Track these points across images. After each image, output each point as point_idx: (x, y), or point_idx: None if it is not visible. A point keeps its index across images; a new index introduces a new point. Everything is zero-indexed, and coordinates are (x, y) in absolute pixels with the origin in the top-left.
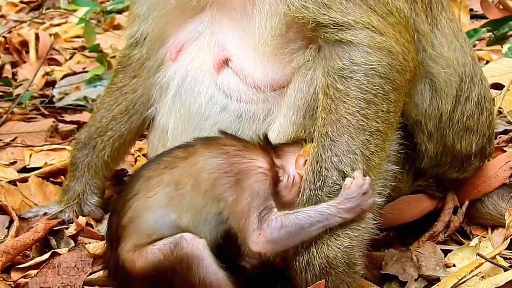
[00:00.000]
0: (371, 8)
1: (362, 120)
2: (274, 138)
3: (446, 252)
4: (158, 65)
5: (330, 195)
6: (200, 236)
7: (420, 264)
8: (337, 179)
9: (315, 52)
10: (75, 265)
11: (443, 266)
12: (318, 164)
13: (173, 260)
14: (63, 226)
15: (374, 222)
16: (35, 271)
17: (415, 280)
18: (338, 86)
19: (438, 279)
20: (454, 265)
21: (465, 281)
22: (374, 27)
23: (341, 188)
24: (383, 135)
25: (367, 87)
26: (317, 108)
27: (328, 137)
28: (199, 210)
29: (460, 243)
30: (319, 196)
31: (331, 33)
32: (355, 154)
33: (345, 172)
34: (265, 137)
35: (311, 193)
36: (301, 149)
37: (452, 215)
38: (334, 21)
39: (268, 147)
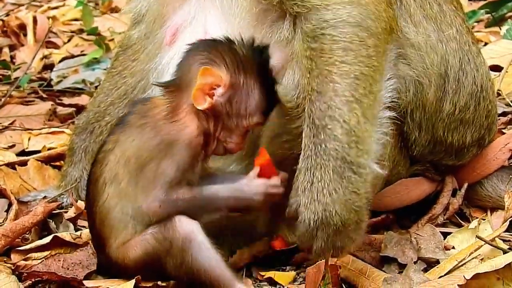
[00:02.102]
0: None
1: (344, 66)
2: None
3: (445, 234)
4: (156, 49)
5: (330, 145)
6: None
7: (420, 247)
8: (330, 126)
9: (290, 26)
10: (80, 262)
11: (442, 249)
12: (310, 118)
13: (167, 244)
14: (62, 210)
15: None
16: (36, 253)
17: (415, 262)
18: (312, 46)
19: (437, 262)
20: (453, 248)
21: (464, 263)
22: None
23: (337, 136)
24: (369, 78)
25: (339, 37)
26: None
27: (314, 91)
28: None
29: (459, 226)
30: (320, 148)
31: (298, 5)
32: (343, 96)
33: (336, 116)
34: None
35: (312, 146)
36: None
37: (451, 197)
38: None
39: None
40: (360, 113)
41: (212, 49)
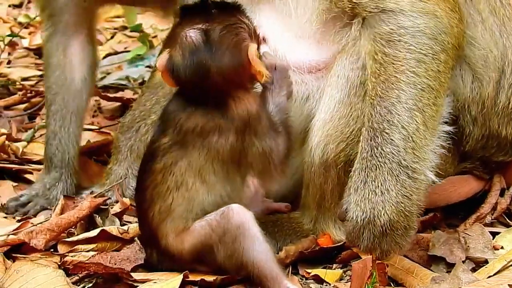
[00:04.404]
0: None
1: (413, 77)
2: (321, 119)
3: (493, 234)
4: None
5: (387, 149)
6: None
7: (468, 246)
8: (388, 131)
9: (359, 26)
10: (127, 258)
11: (491, 248)
12: (369, 122)
13: (220, 231)
14: (107, 206)
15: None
16: (83, 245)
17: (463, 262)
18: (386, 50)
19: (486, 261)
20: (502, 247)
21: None
22: None
23: (394, 140)
24: (435, 92)
25: (416, 47)
26: (363, 84)
27: (377, 96)
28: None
29: (507, 226)
30: (376, 151)
31: (373, 6)
32: (406, 104)
33: (395, 122)
34: None
35: (368, 148)
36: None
37: (499, 197)
38: (368, 7)
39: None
40: (421, 121)
41: (224, 38)
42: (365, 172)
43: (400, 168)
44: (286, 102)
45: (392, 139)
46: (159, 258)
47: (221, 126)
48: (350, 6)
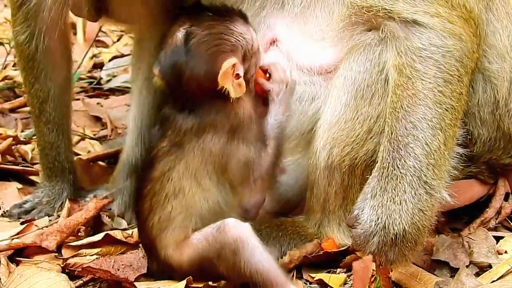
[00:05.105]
0: (436, 1)
1: (440, 96)
2: (327, 121)
3: (497, 238)
4: None
5: (410, 162)
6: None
7: (472, 251)
8: (412, 145)
9: (377, 33)
10: (130, 265)
11: (495, 253)
12: (393, 134)
13: (218, 246)
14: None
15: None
16: (87, 250)
17: (467, 266)
18: (416, 66)
19: (489, 266)
20: (506, 252)
21: None
22: (442, 16)
23: (417, 155)
24: (457, 113)
25: (445, 67)
26: (369, 87)
27: (402, 109)
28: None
29: (511, 230)
30: (398, 162)
31: (404, 16)
32: (431, 122)
33: (420, 137)
34: None
35: (390, 160)
36: None
37: (504, 201)
38: (402, 14)
39: None
40: (442, 141)
41: (202, 45)
42: (385, 180)
43: (420, 182)
44: (285, 121)
45: (416, 154)
46: (160, 268)
47: (215, 125)
48: (381, 14)
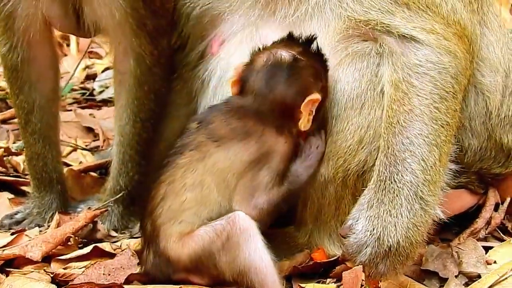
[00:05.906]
0: (432, 18)
1: (436, 112)
2: None
3: (487, 249)
4: (198, 59)
5: (407, 177)
6: None
7: (461, 261)
8: (409, 160)
9: (365, 44)
10: (121, 266)
11: (484, 263)
12: (390, 148)
13: (224, 236)
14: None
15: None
16: (76, 263)
17: (456, 276)
18: (413, 81)
19: (478, 276)
20: (495, 262)
21: (506, 278)
22: (438, 33)
23: (414, 170)
24: (451, 130)
25: (441, 84)
26: (358, 97)
27: (399, 125)
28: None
29: (501, 240)
30: (396, 176)
31: (402, 31)
32: (427, 138)
33: (417, 153)
34: None
35: (387, 174)
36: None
37: (493, 211)
38: (399, 29)
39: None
40: (438, 157)
41: (304, 72)
42: (382, 192)
43: (416, 198)
44: (305, 175)
45: (412, 169)
46: (154, 261)
47: (263, 139)
48: (378, 28)
